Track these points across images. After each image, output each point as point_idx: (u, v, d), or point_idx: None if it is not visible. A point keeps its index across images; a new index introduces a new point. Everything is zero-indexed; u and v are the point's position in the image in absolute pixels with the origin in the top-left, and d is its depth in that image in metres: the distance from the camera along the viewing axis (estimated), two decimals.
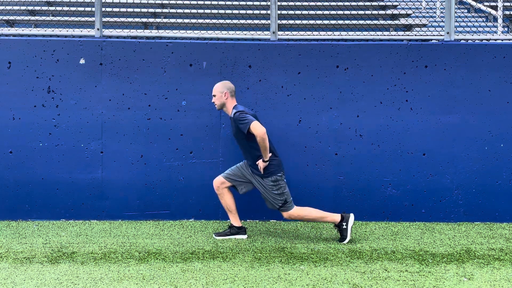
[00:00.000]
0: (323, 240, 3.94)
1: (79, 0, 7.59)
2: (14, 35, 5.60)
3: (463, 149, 4.56)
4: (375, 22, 6.89)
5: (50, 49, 4.54)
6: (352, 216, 3.89)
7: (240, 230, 4.01)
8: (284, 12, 7.03)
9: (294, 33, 5.65)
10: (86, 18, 6.88)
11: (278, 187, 3.83)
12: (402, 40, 5.29)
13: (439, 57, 4.57)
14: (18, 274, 3.09)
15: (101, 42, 4.56)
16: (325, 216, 3.89)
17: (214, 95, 3.93)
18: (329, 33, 5.68)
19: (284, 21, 6.63)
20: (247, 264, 3.31)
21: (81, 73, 4.54)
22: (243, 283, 2.96)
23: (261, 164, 3.77)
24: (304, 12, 6.93)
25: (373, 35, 5.41)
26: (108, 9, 7.00)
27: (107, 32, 5.45)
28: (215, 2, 7.32)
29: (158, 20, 7.07)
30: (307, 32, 5.71)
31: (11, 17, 7.00)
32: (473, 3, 7.80)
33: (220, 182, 3.99)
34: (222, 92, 3.89)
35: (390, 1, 7.84)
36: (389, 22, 6.93)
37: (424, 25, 6.77)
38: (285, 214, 3.89)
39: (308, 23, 6.60)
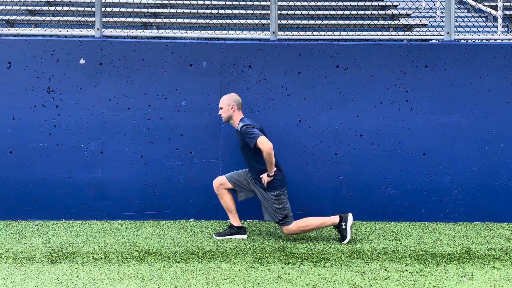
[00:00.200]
0: (323, 240, 3.94)
1: (79, 0, 7.59)
2: (14, 35, 5.60)
3: (463, 149, 4.56)
4: (375, 22, 6.90)
5: (50, 49, 4.54)
6: (350, 215, 3.89)
7: (240, 230, 4.01)
8: (284, 12, 7.03)
9: (294, 33, 5.65)
10: (86, 18, 6.87)
11: (280, 201, 3.83)
12: (402, 40, 5.29)
13: (439, 57, 4.57)
14: (18, 274, 3.09)
15: (101, 42, 4.56)
16: (324, 221, 3.90)
17: (221, 108, 3.92)
18: (329, 33, 5.68)
19: (284, 21, 6.63)
20: (247, 264, 3.31)
21: (81, 73, 4.54)
22: (243, 283, 2.96)
23: (265, 178, 3.78)
24: (304, 12, 6.93)
25: (373, 35, 5.41)
26: (108, 9, 7.00)
27: (107, 32, 5.45)
28: (215, 2, 7.32)
29: (158, 20, 7.07)
30: (307, 32, 5.71)
31: (11, 17, 7.00)
32: (473, 3, 7.80)
33: (219, 183, 3.99)
34: (229, 105, 3.89)
35: (390, 1, 7.84)
36: (389, 22, 6.93)
37: (424, 25, 6.77)
38: (285, 229, 3.89)
39: (308, 23, 6.60)
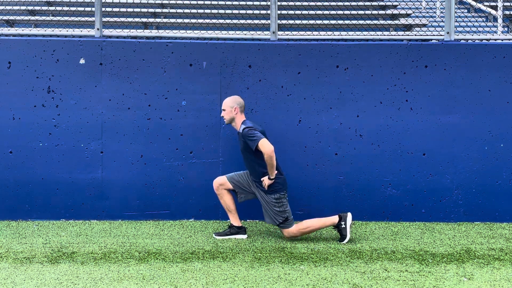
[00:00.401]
0: (323, 240, 3.94)
1: (79, 0, 7.59)
2: (14, 35, 5.60)
3: (463, 149, 4.56)
4: (375, 22, 6.90)
5: (50, 49, 4.54)
6: (349, 215, 3.89)
7: (240, 230, 4.01)
8: (284, 12, 7.03)
9: (294, 33, 5.66)
10: (86, 18, 6.88)
11: (280, 204, 3.83)
12: (402, 40, 5.29)
13: (439, 57, 4.57)
14: (18, 274, 3.09)
15: (101, 42, 4.56)
16: (324, 222, 3.90)
17: (224, 110, 3.92)
18: (329, 33, 5.68)
19: (284, 21, 6.63)
20: (247, 264, 3.31)
21: (81, 73, 4.54)
22: (243, 283, 2.96)
23: (266, 181, 3.78)
24: (304, 12, 6.93)
25: (373, 35, 5.41)
26: (108, 9, 7.00)
27: (107, 32, 5.45)
28: (215, 2, 7.31)
29: (158, 20, 7.07)
30: (307, 32, 5.71)
31: (11, 17, 7.00)
32: (473, 3, 7.80)
33: (219, 183, 3.99)
34: (232, 107, 3.89)
35: (390, 1, 7.84)
36: (389, 22, 6.93)
37: (424, 25, 6.77)
38: (285, 232, 3.89)
39: (308, 23, 6.60)
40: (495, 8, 7.32)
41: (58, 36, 5.17)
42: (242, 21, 6.63)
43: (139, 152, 4.56)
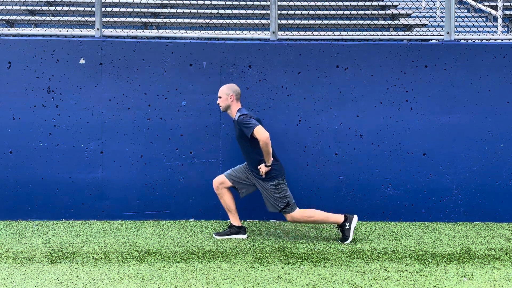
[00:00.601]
0: (323, 240, 3.94)
1: (79, 0, 7.59)
2: (14, 35, 5.60)
3: (463, 149, 4.56)
4: (375, 22, 6.90)
5: (50, 49, 4.54)
6: (355, 217, 3.89)
7: (240, 230, 4.01)
8: (284, 12, 7.03)
9: (294, 33, 5.66)
10: (86, 18, 6.88)
11: (279, 190, 3.83)
12: (402, 40, 5.29)
13: (439, 57, 4.57)
14: (18, 274, 3.09)
15: (101, 42, 4.56)
16: (329, 217, 3.89)
17: (220, 97, 3.93)
18: (329, 33, 5.68)
19: (284, 21, 6.63)
20: (247, 264, 3.31)
21: (81, 73, 4.54)
22: (243, 283, 2.96)
23: (263, 168, 3.78)
24: (304, 12, 6.93)
25: (373, 35, 5.41)
26: (108, 9, 7.00)
27: (107, 32, 5.45)
28: (215, 2, 7.32)
29: (158, 20, 7.07)
30: (307, 32, 5.71)
31: (11, 17, 7.00)
32: (473, 3, 7.80)
33: (219, 182, 3.99)
34: (228, 95, 3.89)
35: (390, 1, 7.84)
36: (389, 22, 6.94)
37: (424, 25, 6.77)
38: (288, 217, 3.88)
39: (308, 23, 6.60)
40: (495, 8, 7.33)
41: (58, 36, 5.17)
42: (242, 21, 6.64)
43: (139, 152, 4.56)
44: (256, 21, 6.74)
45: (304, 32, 5.70)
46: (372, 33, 5.58)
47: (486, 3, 7.86)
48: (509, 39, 6.27)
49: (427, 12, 7.57)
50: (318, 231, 4.22)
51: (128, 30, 6.12)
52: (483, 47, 4.61)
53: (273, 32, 4.72)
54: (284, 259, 3.43)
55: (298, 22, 6.59)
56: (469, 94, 4.57)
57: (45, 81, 4.53)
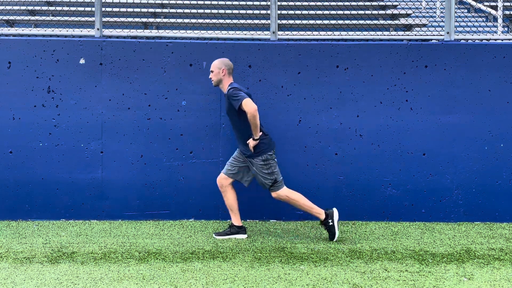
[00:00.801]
0: (323, 240, 3.94)
1: (79, 0, 7.59)
2: (14, 35, 5.60)
3: (463, 149, 4.56)
4: (375, 22, 6.90)
5: (50, 49, 4.54)
6: (335, 211, 3.89)
7: (240, 230, 4.01)
8: (284, 12, 7.03)
9: (294, 33, 5.66)
10: (86, 18, 6.88)
11: (268, 166, 3.83)
12: (402, 40, 5.29)
13: (439, 57, 4.57)
14: (18, 274, 3.09)
15: (101, 42, 4.56)
16: (311, 207, 3.89)
17: (212, 71, 3.93)
18: (329, 33, 5.68)
19: (284, 21, 6.63)
20: (247, 264, 3.31)
21: (81, 73, 4.54)
22: (243, 283, 2.96)
23: (251, 143, 3.78)
24: (304, 12, 6.93)
25: (373, 35, 5.41)
26: (108, 9, 7.01)
27: (107, 32, 5.45)
28: (215, 2, 7.32)
29: (158, 20, 7.07)
30: (307, 32, 5.71)
31: (11, 17, 7.00)
32: (473, 3, 7.81)
33: (223, 179, 4.01)
34: (220, 68, 3.90)
35: (390, 1, 7.84)
36: (389, 22, 6.94)
37: (424, 25, 6.78)
38: (274, 194, 3.89)
39: (308, 23, 6.61)
40: (495, 8, 7.33)
41: (58, 36, 5.17)
42: (242, 21, 6.64)
43: (139, 152, 4.56)
44: (256, 21, 6.74)
45: (304, 32, 5.70)
46: (372, 33, 5.58)
47: (486, 3, 7.87)
48: (509, 39, 6.27)
49: (427, 12, 7.57)
50: (318, 230, 4.22)
51: (128, 30, 6.12)
52: (483, 47, 4.61)
53: (273, 32, 4.72)
54: (284, 259, 3.43)
55: (298, 22, 6.59)
56: (469, 94, 4.57)
57: (45, 81, 4.53)
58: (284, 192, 3.89)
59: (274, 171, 3.86)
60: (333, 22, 6.29)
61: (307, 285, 2.93)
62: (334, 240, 3.87)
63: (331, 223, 3.86)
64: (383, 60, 4.57)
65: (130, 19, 6.99)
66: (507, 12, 7.41)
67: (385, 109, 4.57)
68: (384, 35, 5.45)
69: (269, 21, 5.36)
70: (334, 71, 4.59)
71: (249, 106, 3.67)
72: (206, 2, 7.44)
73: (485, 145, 4.56)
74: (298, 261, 3.38)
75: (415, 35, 5.76)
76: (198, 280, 3.01)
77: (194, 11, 7.09)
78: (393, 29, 6.92)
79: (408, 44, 4.62)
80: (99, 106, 4.55)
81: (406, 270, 3.21)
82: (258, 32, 5.41)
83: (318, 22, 6.51)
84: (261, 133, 3.81)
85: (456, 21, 6.90)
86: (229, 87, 3.82)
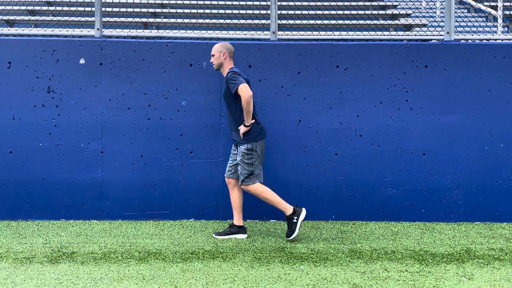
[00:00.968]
0: (323, 240, 3.94)
1: (79, 0, 7.59)
2: (14, 35, 5.60)
3: (463, 149, 4.56)
4: (375, 22, 6.90)
5: (50, 49, 4.54)
6: (304, 211, 3.87)
7: (241, 230, 4.00)
8: (284, 12, 7.03)
9: (294, 33, 5.65)
10: (86, 18, 6.88)
11: (250, 156, 3.82)
12: (402, 40, 5.29)
13: (439, 57, 4.57)
14: (18, 274, 3.09)
15: (101, 42, 4.56)
16: (278, 202, 3.86)
17: (213, 55, 3.94)
18: (329, 33, 5.68)
19: (284, 21, 6.63)
20: (247, 264, 3.31)
21: (81, 73, 4.54)
22: (243, 283, 2.96)
23: (242, 129, 3.78)
24: (304, 12, 6.93)
25: (373, 35, 5.41)
26: (108, 9, 7.01)
27: (107, 32, 5.45)
28: (215, 2, 7.32)
29: (158, 20, 7.07)
30: (307, 32, 5.71)
31: (11, 17, 7.00)
32: (473, 3, 7.81)
33: (226, 179, 4.04)
34: (220, 52, 3.90)
35: (390, 1, 7.84)
36: (389, 22, 6.94)
37: (424, 25, 6.78)
38: (243, 187, 3.88)
39: (308, 23, 6.61)
40: (495, 8, 7.33)
41: (58, 36, 5.17)
42: (242, 21, 6.64)
43: (139, 152, 4.56)
44: (256, 21, 6.74)
45: (304, 32, 5.70)
46: (372, 33, 5.58)
47: (486, 3, 7.87)
48: (509, 39, 6.27)
49: (427, 12, 7.57)
50: (318, 230, 4.22)
51: (128, 30, 6.12)
52: (483, 47, 4.61)
53: (273, 32, 4.72)
54: (284, 259, 3.43)
55: (298, 22, 6.59)
56: (469, 94, 4.57)
57: (45, 81, 4.53)
58: (254, 188, 3.85)
59: (254, 163, 3.84)
60: (333, 22, 6.29)
61: (307, 285, 2.93)
62: (291, 238, 3.84)
63: (294, 220, 3.84)
64: (383, 60, 4.57)
65: (130, 19, 6.99)
66: (507, 12, 7.41)
67: (385, 109, 4.57)
68: (384, 35, 5.45)
69: (269, 21, 5.36)
70: (334, 71, 4.59)
71: (244, 91, 3.67)
72: (206, 2, 7.44)
73: (485, 145, 4.56)
74: (298, 261, 3.38)
75: (415, 35, 5.76)
76: (198, 280, 3.01)
77: (194, 11, 7.09)
78: (393, 29, 6.92)
79: (408, 44, 4.62)
80: (99, 106, 4.55)
81: (406, 270, 3.21)
82: (258, 32, 5.41)
83: (318, 22, 6.51)
84: (253, 120, 3.81)
85: (456, 21, 6.90)
86: (229, 71, 3.83)
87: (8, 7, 7.12)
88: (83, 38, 4.63)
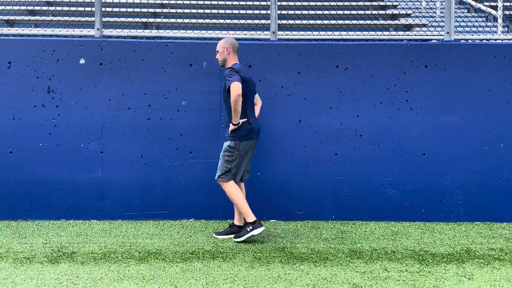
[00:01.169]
0: (323, 240, 3.94)
1: (79, 0, 7.59)
2: (14, 35, 5.60)
3: (463, 149, 4.56)
4: (375, 22, 6.90)
5: (50, 49, 4.54)
6: (263, 228, 3.77)
7: (242, 228, 4.00)
8: (284, 12, 7.03)
9: (294, 33, 5.65)
10: (86, 18, 6.88)
11: (231, 154, 3.81)
12: (402, 40, 5.29)
13: (439, 57, 4.57)
14: (18, 274, 3.09)
15: (101, 42, 4.56)
16: (242, 208, 3.78)
17: (217, 51, 3.94)
18: (329, 33, 5.68)
19: (284, 21, 6.63)
20: (247, 264, 3.31)
21: (81, 73, 4.54)
22: (243, 283, 2.96)
23: (231, 126, 3.78)
24: (304, 12, 6.93)
25: (373, 35, 5.41)
26: (108, 9, 7.01)
27: (107, 32, 5.45)
28: (215, 2, 7.32)
29: (158, 20, 7.07)
30: (307, 32, 5.71)
31: (11, 17, 7.00)
32: (473, 3, 7.81)
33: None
34: (224, 47, 3.91)
35: (390, 1, 7.84)
36: (389, 22, 6.94)
37: (424, 25, 6.78)
38: (219, 182, 3.86)
39: (308, 23, 6.60)
40: (495, 8, 7.33)
41: (58, 36, 5.17)
42: (242, 21, 6.64)
43: (139, 152, 4.56)
44: (256, 21, 6.74)
45: (304, 32, 5.70)
46: (372, 33, 5.58)
47: (486, 3, 7.87)
48: (509, 39, 6.27)
49: (427, 12, 7.57)
50: (318, 230, 4.22)
51: (128, 30, 6.12)
52: (483, 47, 4.61)
53: (273, 32, 4.72)
54: (284, 259, 3.43)
55: (298, 22, 6.59)
56: (469, 94, 4.57)
57: (45, 81, 4.53)
58: (228, 187, 3.83)
59: (233, 161, 3.82)
60: (333, 22, 6.28)
61: (307, 285, 2.93)
62: (236, 240, 3.81)
63: (249, 229, 3.77)
64: (383, 60, 4.57)
65: (130, 19, 6.99)
66: (507, 12, 7.41)
67: (385, 109, 4.57)
68: (384, 35, 5.45)
69: (269, 21, 5.36)
70: (334, 71, 4.59)
71: (234, 89, 3.65)
72: (206, 2, 7.44)
73: (485, 145, 4.56)
74: (298, 261, 3.38)
75: (415, 35, 5.75)
76: (198, 280, 3.01)
77: (194, 11, 7.09)
78: (393, 29, 6.92)
79: (408, 44, 4.62)
80: (99, 106, 4.55)
81: (406, 270, 3.21)
82: (258, 32, 5.41)
83: (318, 22, 6.51)
84: (244, 119, 3.80)
85: (456, 21, 6.90)
86: (229, 67, 3.84)
87: (8, 7, 7.12)
88: (83, 38, 4.63)
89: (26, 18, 7.01)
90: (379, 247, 3.75)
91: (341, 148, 4.57)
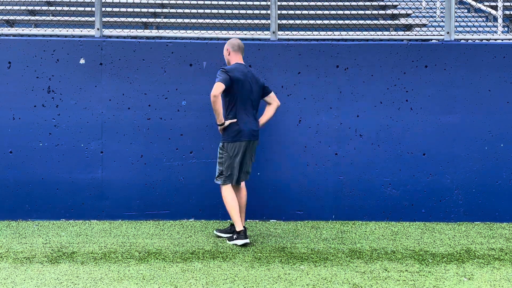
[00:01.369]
0: (323, 240, 3.94)
1: (79, 0, 7.59)
2: (14, 35, 5.60)
3: (463, 149, 4.56)
4: (375, 22, 6.90)
5: (50, 49, 4.54)
6: (245, 241, 3.72)
7: (239, 234, 3.98)
8: (284, 12, 7.03)
9: (294, 33, 5.66)
10: (86, 18, 6.88)
11: (221, 155, 3.83)
12: (402, 40, 5.29)
13: (439, 57, 4.57)
14: (18, 274, 3.09)
15: (101, 42, 4.56)
16: (232, 215, 3.77)
17: (224, 54, 4.00)
18: (329, 33, 5.68)
19: (284, 21, 6.63)
20: (247, 264, 3.31)
21: (81, 73, 4.54)
22: (243, 283, 2.96)
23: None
24: (304, 12, 6.93)
25: (373, 35, 5.41)
26: (108, 9, 7.01)
27: (107, 32, 5.45)
28: (215, 2, 7.32)
29: (158, 20, 7.07)
30: (307, 32, 5.71)
31: (11, 17, 7.00)
32: (473, 3, 7.81)
33: None
34: (225, 49, 3.96)
35: (390, 1, 7.84)
36: (389, 22, 6.94)
37: (424, 25, 6.78)
38: (217, 183, 3.89)
39: (308, 23, 6.60)
40: (495, 8, 7.33)
41: (58, 36, 5.17)
42: (242, 21, 6.64)
43: (139, 152, 4.56)
44: (256, 21, 6.74)
45: (304, 32, 5.70)
46: (372, 33, 5.58)
47: (486, 3, 7.87)
48: (509, 39, 6.27)
49: (427, 12, 7.57)
50: (318, 230, 4.22)
51: (128, 30, 6.11)
52: (483, 47, 4.61)
53: (273, 32, 4.72)
54: (284, 259, 3.43)
55: (298, 22, 6.59)
56: (469, 94, 4.57)
57: (45, 81, 4.53)
58: (225, 191, 3.82)
59: (223, 162, 3.82)
60: (333, 22, 6.28)
61: (307, 285, 2.93)
62: (215, 232, 3.96)
63: (234, 238, 3.77)
64: (383, 60, 4.57)
65: (130, 19, 6.99)
66: (507, 12, 7.41)
67: (385, 109, 4.57)
68: (384, 35, 5.45)
69: (269, 21, 5.36)
70: (334, 71, 4.59)
71: (213, 89, 3.65)
72: (206, 2, 7.44)
73: (485, 145, 4.56)
74: (298, 261, 3.38)
75: (415, 35, 5.76)
76: (198, 280, 3.01)
77: (194, 11, 7.09)
78: (393, 29, 6.92)
79: (408, 44, 4.62)
80: (99, 106, 4.55)
81: (406, 270, 3.21)
82: (258, 32, 5.41)
83: (318, 22, 6.51)
84: (234, 120, 3.78)
85: (456, 21, 6.90)
86: (221, 67, 3.86)
87: (8, 7, 7.12)
88: (83, 38, 4.63)
89: (26, 18, 7.01)
90: (379, 247, 3.75)
91: (341, 148, 4.57)
